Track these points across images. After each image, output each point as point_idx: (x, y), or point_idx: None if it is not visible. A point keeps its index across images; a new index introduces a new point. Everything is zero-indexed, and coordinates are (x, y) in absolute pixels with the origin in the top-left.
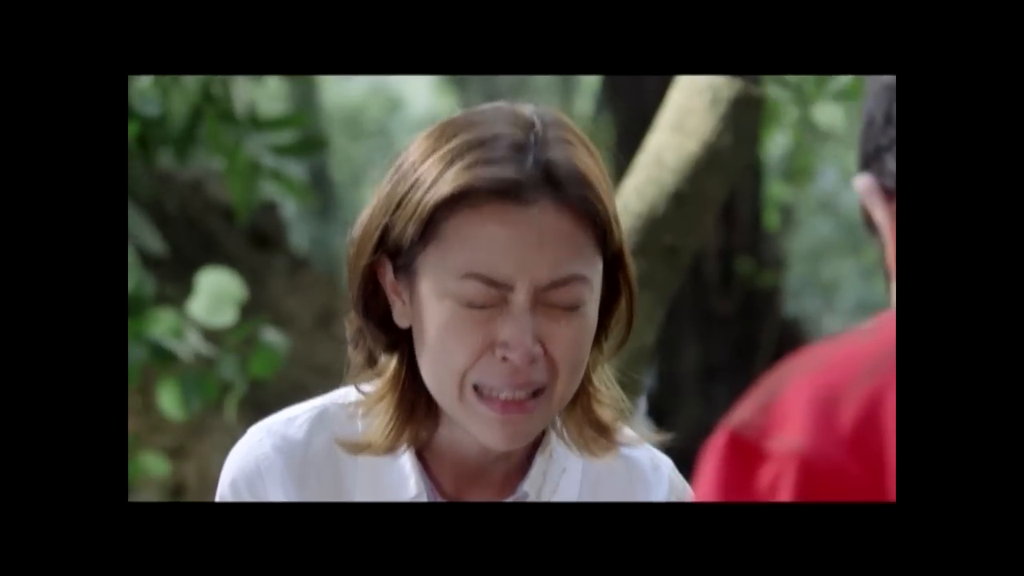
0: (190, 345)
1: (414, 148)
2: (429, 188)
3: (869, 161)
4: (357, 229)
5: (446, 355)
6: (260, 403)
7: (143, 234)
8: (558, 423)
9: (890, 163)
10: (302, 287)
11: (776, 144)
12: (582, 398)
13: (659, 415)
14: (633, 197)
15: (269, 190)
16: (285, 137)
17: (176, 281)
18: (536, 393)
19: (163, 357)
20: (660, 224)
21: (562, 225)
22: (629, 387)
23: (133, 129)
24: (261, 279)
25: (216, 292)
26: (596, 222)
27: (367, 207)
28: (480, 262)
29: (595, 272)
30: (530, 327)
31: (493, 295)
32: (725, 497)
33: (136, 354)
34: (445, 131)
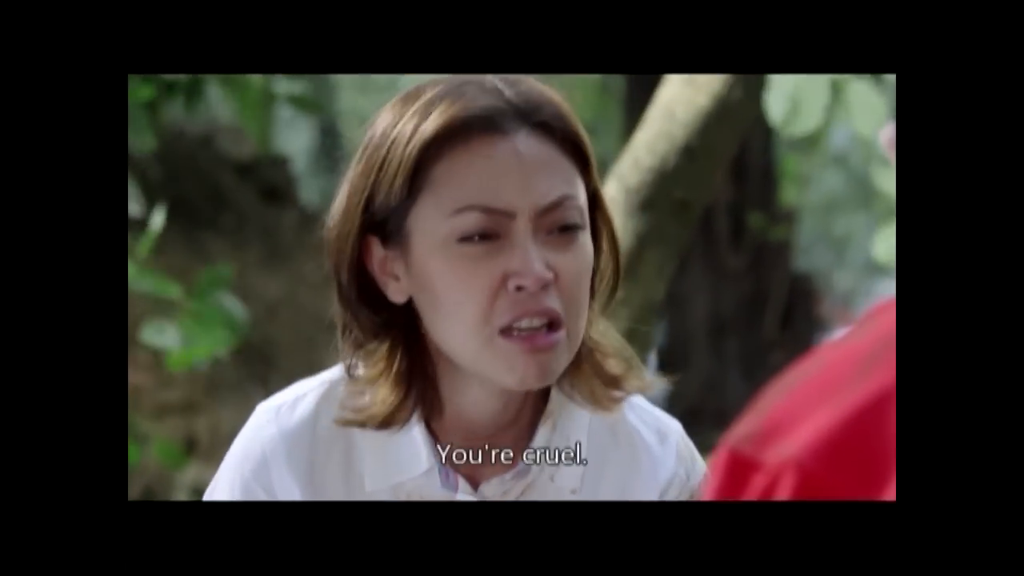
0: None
1: (382, 118)
2: (411, 139)
3: None
4: (335, 214)
5: (461, 305)
6: (268, 356)
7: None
8: (566, 386)
9: None
10: (313, 242)
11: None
12: (587, 355)
13: (669, 369)
14: (644, 151)
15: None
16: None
17: (185, 239)
18: (552, 325)
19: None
20: (671, 178)
21: (545, 152)
22: (639, 341)
23: (146, 91)
24: (272, 234)
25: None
26: (577, 148)
27: (341, 192)
28: (476, 194)
29: (583, 198)
30: (537, 252)
31: (492, 226)
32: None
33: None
34: (410, 95)
